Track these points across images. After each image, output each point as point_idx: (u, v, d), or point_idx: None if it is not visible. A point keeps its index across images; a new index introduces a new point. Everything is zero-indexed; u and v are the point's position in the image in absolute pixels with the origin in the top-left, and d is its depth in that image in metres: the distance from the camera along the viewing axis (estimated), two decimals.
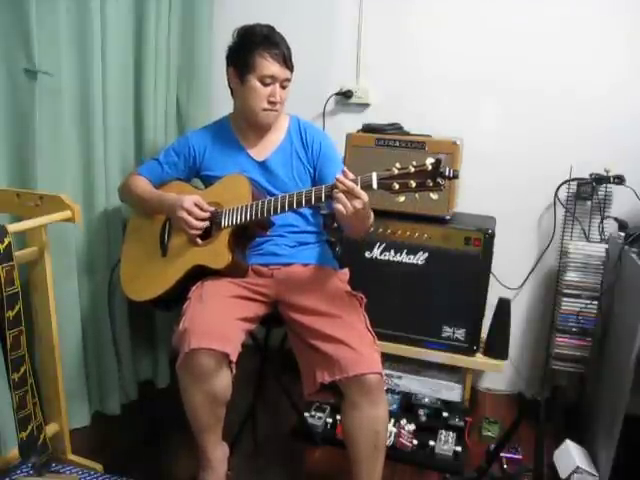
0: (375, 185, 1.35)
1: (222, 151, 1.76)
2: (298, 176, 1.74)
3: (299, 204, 1.48)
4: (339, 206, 1.35)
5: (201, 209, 1.61)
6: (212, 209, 1.62)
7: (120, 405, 2.10)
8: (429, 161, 1.30)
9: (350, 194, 1.35)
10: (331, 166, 1.72)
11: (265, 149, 1.75)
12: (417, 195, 1.34)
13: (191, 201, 1.61)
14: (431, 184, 1.31)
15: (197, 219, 1.60)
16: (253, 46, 1.64)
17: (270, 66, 1.63)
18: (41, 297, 1.61)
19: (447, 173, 1.30)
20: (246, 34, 1.68)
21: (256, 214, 1.55)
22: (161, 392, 2.29)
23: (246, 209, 1.57)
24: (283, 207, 1.51)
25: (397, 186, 1.32)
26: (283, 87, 1.68)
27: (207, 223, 1.62)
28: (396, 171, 1.34)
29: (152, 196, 1.73)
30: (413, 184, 1.32)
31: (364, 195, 1.35)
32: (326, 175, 1.70)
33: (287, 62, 1.66)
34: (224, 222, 1.60)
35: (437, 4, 2.21)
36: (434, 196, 1.33)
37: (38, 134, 1.67)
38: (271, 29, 1.68)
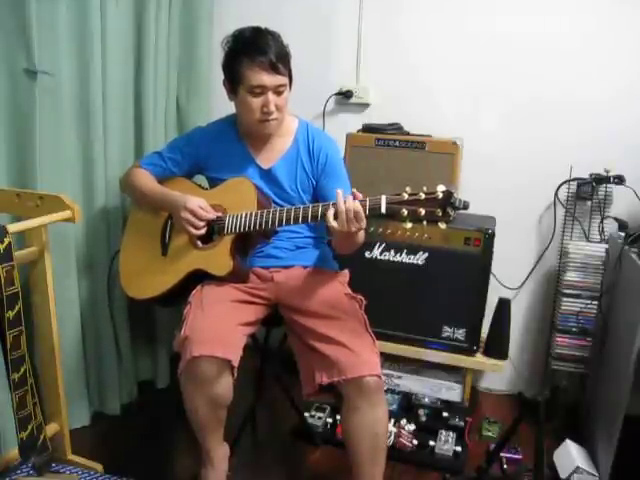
0: (384, 209, 1.33)
1: (227, 153, 1.71)
2: (301, 187, 1.69)
3: (304, 219, 1.47)
4: (334, 223, 1.36)
5: (206, 212, 1.60)
6: (218, 214, 1.61)
7: (120, 405, 2.10)
8: (440, 188, 1.29)
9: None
10: (333, 181, 1.67)
11: (271, 156, 1.69)
12: (425, 222, 1.32)
13: (196, 203, 1.59)
14: (440, 214, 1.29)
15: (200, 220, 1.58)
16: (238, 55, 1.55)
17: (256, 76, 1.52)
18: (41, 297, 1.61)
19: (457, 204, 1.29)
20: (232, 41, 1.59)
21: (260, 224, 1.53)
22: (161, 392, 2.29)
23: (250, 217, 1.55)
24: (289, 220, 1.49)
25: (406, 212, 1.31)
26: (279, 93, 1.57)
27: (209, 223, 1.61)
28: (406, 196, 1.32)
29: (154, 191, 1.70)
30: (422, 212, 1.30)
31: (364, 223, 1.35)
32: (326, 189, 1.66)
33: (277, 68, 1.53)
34: (227, 228, 1.58)
35: (437, 4, 2.20)
36: (442, 225, 1.31)
37: (38, 134, 1.67)
38: (257, 32, 1.56)
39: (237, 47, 1.57)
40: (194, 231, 1.59)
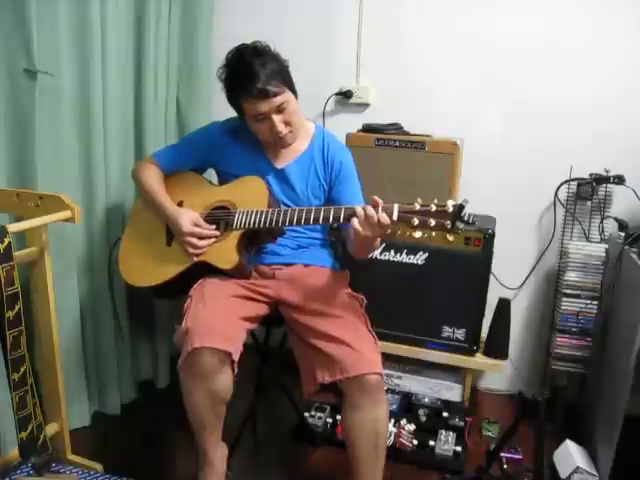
0: (396, 217, 1.35)
1: (242, 150, 1.71)
2: (312, 192, 1.70)
3: (315, 221, 1.48)
4: (357, 226, 1.36)
5: (201, 227, 1.61)
6: (212, 227, 1.62)
7: (120, 405, 2.10)
8: (450, 202, 1.31)
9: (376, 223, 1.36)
10: (347, 185, 1.70)
11: (286, 156, 1.71)
12: (434, 233, 1.34)
13: (190, 224, 1.60)
14: (449, 226, 1.31)
15: (201, 239, 1.60)
16: (234, 90, 1.58)
17: (253, 107, 1.55)
18: (41, 297, 1.61)
19: (467, 219, 1.31)
20: (225, 74, 1.60)
21: (271, 222, 1.54)
22: (161, 392, 2.29)
23: (261, 214, 1.55)
24: (299, 221, 1.50)
25: (416, 222, 1.33)
26: (282, 111, 1.57)
27: (211, 241, 1.61)
28: (417, 206, 1.34)
29: (154, 197, 1.70)
30: (432, 223, 1.32)
31: (387, 226, 1.36)
32: (340, 193, 1.69)
33: (268, 93, 1.51)
34: (237, 223, 1.59)
35: (437, 4, 2.20)
36: (450, 238, 1.34)
37: (38, 134, 1.67)
38: (241, 59, 1.55)
39: (230, 82, 1.59)
40: (196, 251, 1.60)
